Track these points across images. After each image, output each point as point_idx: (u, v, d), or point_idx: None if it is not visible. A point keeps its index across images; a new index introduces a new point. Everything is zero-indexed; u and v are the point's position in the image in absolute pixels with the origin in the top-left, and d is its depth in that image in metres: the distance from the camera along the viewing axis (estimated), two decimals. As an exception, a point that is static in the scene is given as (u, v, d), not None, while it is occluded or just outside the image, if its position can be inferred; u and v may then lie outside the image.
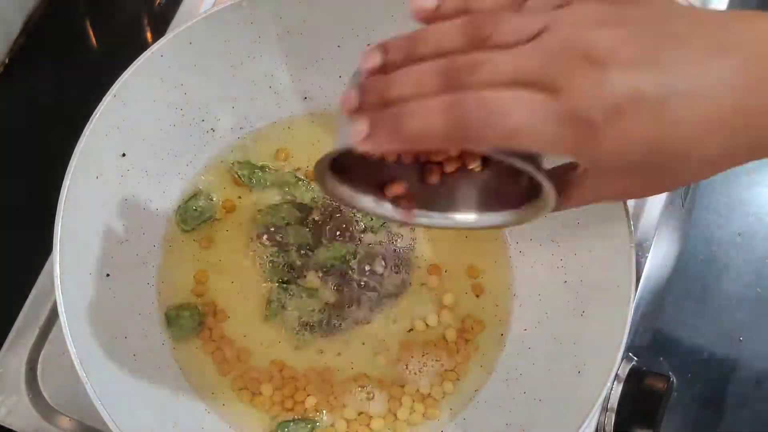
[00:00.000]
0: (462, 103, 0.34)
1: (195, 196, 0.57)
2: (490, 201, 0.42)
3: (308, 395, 0.55)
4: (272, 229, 0.58)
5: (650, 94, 0.34)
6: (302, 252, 0.58)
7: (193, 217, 0.57)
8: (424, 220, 0.41)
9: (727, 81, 0.34)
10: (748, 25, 0.35)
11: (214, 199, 0.58)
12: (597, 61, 0.34)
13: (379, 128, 0.35)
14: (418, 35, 0.37)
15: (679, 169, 0.37)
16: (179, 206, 0.57)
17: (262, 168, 0.59)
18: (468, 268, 0.59)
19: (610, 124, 0.34)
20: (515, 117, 0.34)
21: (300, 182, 0.59)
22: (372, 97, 0.36)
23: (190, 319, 0.56)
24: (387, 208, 0.41)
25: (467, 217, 0.41)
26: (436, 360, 0.57)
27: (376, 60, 0.37)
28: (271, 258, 0.57)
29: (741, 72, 0.34)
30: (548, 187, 0.37)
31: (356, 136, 0.35)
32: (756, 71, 0.34)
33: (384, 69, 0.37)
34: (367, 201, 0.41)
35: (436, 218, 0.41)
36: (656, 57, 0.34)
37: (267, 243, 0.58)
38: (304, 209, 0.58)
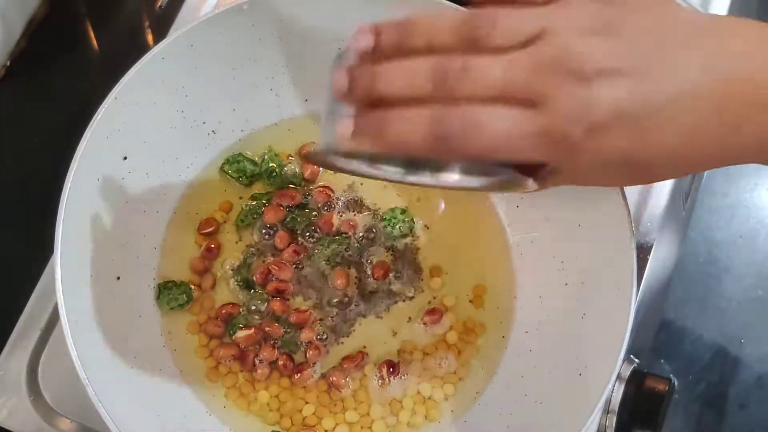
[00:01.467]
0: (446, 119, 0.35)
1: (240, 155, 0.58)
2: (474, 168, 0.42)
3: (306, 403, 0.55)
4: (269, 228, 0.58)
5: (631, 111, 0.34)
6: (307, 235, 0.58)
7: (242, 171, 0.58)
8: (412, 179, 0.42)
9: (706, 91, 0.34)
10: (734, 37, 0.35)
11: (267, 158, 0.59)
12: (584, 77, 0.34)
13: (363, 131, 0.37)
14: (413, 25, 0.37)
15: (656, 173, 0.38)
16: (223, 163, 0.58)
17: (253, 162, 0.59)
18: (469, 270, 0.59)
19: (588, 138, 0.35)
20: (496, 135, 0.35)
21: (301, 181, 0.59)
22: (361, 87, 0.37)
23: (182, 294, 0.56)
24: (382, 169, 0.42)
25: (451, 176, 0.42)
26: (437, 362, 0.57)
27: (369, 41, 0.38)
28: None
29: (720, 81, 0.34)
30: (525, 180, 0.39)
31: (342, 134, 0.37)
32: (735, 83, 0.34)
33: (375, 51, 0.38)
34: (361, 165, 0.42)
35: (424, 177, 0.42)
36: (646, 70, 0.34)
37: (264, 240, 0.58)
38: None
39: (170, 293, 0.56)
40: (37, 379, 0.57)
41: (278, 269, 0.57)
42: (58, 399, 0.57)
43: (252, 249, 0.58)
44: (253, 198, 0.59)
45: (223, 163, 0.58)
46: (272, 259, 0.58)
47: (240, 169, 0.58)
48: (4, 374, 0.57)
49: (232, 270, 0.57)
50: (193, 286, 0.57)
